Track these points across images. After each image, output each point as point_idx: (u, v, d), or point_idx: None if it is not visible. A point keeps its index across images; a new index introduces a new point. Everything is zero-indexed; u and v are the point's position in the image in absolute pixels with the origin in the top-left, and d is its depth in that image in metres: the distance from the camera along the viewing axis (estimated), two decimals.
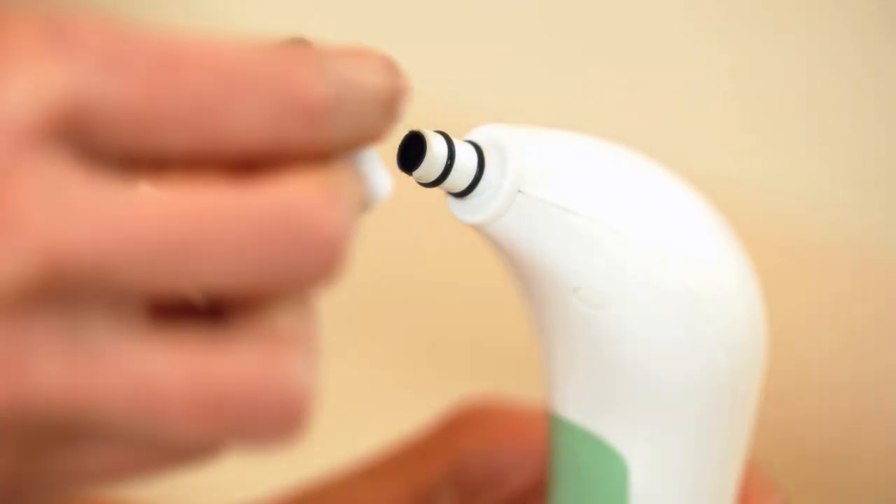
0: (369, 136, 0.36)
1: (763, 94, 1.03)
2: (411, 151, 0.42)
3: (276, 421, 0.33)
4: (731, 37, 1.03)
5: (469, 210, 0.43)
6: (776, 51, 1.02)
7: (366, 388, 0.87)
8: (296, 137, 0.34)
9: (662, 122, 1.06)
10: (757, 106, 1.03)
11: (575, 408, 0.48)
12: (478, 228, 0.44)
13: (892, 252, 0.98)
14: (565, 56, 1.08)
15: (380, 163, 0.38)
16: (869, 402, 0.90)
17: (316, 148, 0.34)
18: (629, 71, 1.07)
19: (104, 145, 0.32)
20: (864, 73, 1.00)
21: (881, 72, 0.99)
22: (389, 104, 0.36)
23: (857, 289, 0.97)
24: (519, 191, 0.43)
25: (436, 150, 0.41)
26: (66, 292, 0.32)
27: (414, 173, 0.42)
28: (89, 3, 1.19)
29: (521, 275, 0.46)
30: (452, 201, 0.44)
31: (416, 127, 0.42)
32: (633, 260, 0.44)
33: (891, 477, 0.87)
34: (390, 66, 0.36)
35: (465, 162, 0.42)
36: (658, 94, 1.06)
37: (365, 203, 0.37)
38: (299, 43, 0.35)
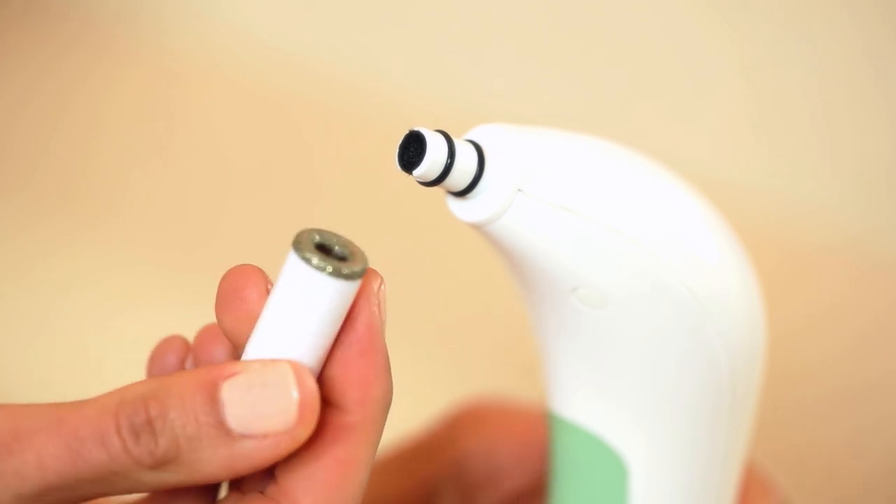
0: None
1: (765, 97, 1.03)
2: (411, 151, 0.41)
3: None
4: (734, 41, 1.03)
5: (469, 209, 0.43)
6: (781, 54, 1.02)
7: None
8: None
9: (664, 123, 1.06)
10: (759, 109, 1.03)
11: (574, 408, 0.48)
12: (478, 228, 0.43)
13: (894, 254, 0.98)
14: (567, 54, 1.08)
15: None
16: (870, 404, 0.90)
17: None
18: (631, 71, 1.07)
19: None
20: (869, 76, 1.00)
21: (887, 74, 0.99)
22: None
23: (860, 290, 0.97)
24: (519, 190, 0.43)
25: (436, 150, 0.41)
26: None
27: (414, 173, 0.41)
28: (92, 2, 1.18)
29: (521, 275, 0.46)
30: (452, 201, 0.44)
31: (416, 126, 0.42)
32: (632, 260, 0.44)
33: (891, 479, 0.87)
34: None
35: (465, 161, 0.42)
36: (659, 95, 1.06)
37: None
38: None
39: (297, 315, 0.39)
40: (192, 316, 0.45)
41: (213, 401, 0.39)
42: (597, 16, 1.07)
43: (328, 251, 0.40)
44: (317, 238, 0.40)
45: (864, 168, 1.00)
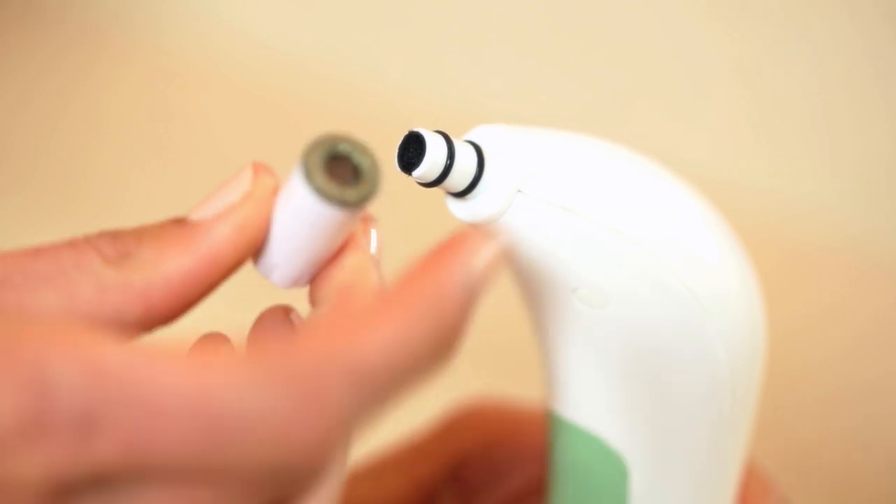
0: None
1: (765, 97, 1.02)
2: (411, 152, 0.41)
3: None
4: (734, 41, 1.03)
5: (469, 210, 0.43)
6: (781, 54, 1.02)
7: None
8: None
9: (663, 123, 1.06)
10: (759, 109, 1.03)
11: (575, 408, 0.48)
12: (478, 229, 0.43)
13: (894, 254, 0.98)
14: (565, 55, 1.08)
15: None
16: (870, 404, 0.90)
17: None
18: (630, 71, 1.07)
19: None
20: (869, 76, 1.00)
21: (887, 74, 0.99)
22: None
23: (860, 290, 0.97)
24: (519, 191, 0.43)
25: (435, 151, 0.41)
26: None
27: (414, 173, 0.41)
28: (90, 3, 1.18)
29: (521, 275, 0.46)
30: (452, 201, 0.44)
31: (415, 127, 0.42)
32: (632, 260, 0.44)
33: (891, 479, 0.87)
34: None
35: (465, 162, 0.42)
36: (659, 96, 1.06)
37: None
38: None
39: (282, 220, 0.41)
40: (192, 316, 0.45)
41: (178, 218, 0.41)
42: (596, 16, 1.07)
43: (343, 160, 0.39)
44: (335, 148, 0.39)
45: (864, 168, 1.00)
